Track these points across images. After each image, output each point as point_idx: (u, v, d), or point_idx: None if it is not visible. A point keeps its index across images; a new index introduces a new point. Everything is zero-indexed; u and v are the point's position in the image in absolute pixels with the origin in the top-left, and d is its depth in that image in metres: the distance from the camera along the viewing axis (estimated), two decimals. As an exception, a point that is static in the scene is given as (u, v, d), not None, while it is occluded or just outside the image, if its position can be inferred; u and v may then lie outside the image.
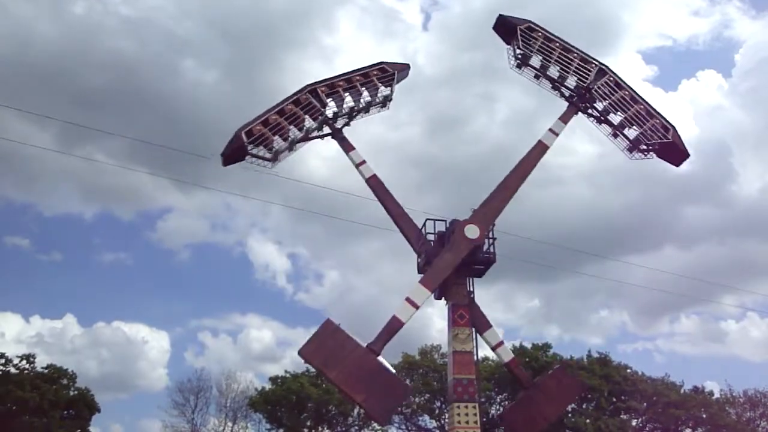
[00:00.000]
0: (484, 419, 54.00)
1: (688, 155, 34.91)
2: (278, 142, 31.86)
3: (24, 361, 53.90)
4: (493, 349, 30.99)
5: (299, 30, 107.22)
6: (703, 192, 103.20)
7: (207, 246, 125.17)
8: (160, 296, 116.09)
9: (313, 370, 63.69)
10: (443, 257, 29.73)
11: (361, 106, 33.71)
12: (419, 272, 31.59)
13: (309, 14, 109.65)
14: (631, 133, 34.26)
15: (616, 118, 34.42)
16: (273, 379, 63.75)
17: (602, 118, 34.53)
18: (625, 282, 68.89)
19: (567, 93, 34.52)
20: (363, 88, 33.74)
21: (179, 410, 63.97)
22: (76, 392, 55.51)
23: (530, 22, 34.72)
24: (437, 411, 61.94)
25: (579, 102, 34.18)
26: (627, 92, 34.27)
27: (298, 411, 61.45)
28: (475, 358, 30.41)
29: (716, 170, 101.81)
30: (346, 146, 33.18)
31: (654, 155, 34.64)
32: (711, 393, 64.79)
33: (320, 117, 32.83)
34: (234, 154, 31.59)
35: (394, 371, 27.09)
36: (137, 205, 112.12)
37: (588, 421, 59.42)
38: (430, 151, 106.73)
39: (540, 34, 34.35)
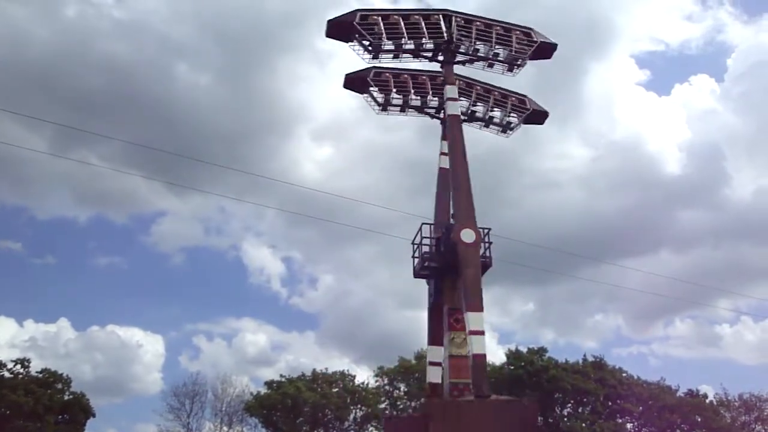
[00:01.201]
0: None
1: (555, 44, 32.99)
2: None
3: (18, 366, 53.76)
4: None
5: (293, 34, 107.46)
6: (697, 196, 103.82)
7: (201, 250, 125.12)
8: (155, 300, 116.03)
9: (308, 374, 63.91)
10: (470, 277, 27.51)
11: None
12: (415, 276, 31.62)
13: (303, 18, 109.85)
14: (503, 54, 32.03)
15: (484, 49, 32.33)
16: (269, 383, 63.66)
17: (473, 57, 32.19)
18: (620, 286, 69.11)
19: (429, 56, 31.88)
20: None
21: (175, 414, 63.89)
22: (71, 396, 55.35)
23: (359, 10, 31.04)
24: (433, 415, 61.80)
25: (449, 59, 31.73)
26: (479, 22, 31.88)
27: (294, 415, 61.37)
28: (471, 362, 30.39)
29: (710, 174, 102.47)
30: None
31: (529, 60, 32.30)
32: (706, 396, 65.03)
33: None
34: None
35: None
36: (131, 208, 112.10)
37: (584, 425, 59.57)
38: (423, 155, 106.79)
39: (375, 16, 30.93)
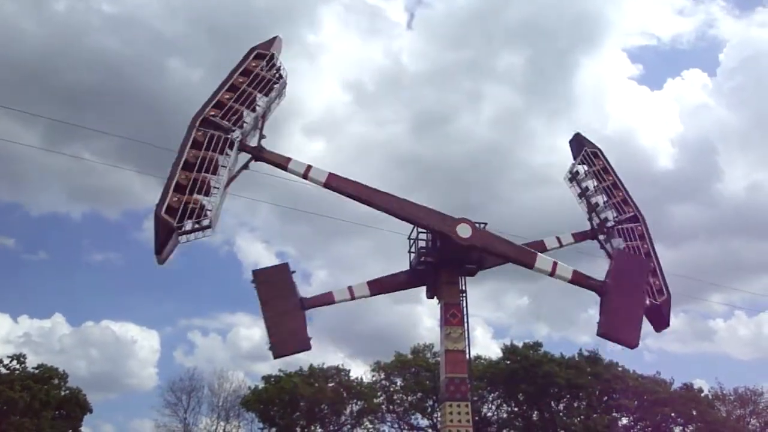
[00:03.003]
0: (477, 418, 54.21)
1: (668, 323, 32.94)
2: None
3: (14, 361, 53.68)
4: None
5: (284, 28, 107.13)
6: (690, 190, 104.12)
7: (195, 245, 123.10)
8: (150, 295, 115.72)
9: (306, 369, 64.04)
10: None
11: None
12: (412, 272, 31.72)
13: (293, 12, 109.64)
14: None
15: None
16: (266, 378, 63.77)
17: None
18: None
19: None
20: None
21: (171, 410, 63.98)
22: (67, 392, 55.32)
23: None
24: (429, 410, 62.12)
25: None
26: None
27: (291, 410, 61.48)
28: (468, 357, 30.54)
29: (702, 169, 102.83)
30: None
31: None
32: (701, 390, 65.24)
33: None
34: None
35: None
36: (124, 204, 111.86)
37: (578, 420, 59.84)
38: (415, 150, 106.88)
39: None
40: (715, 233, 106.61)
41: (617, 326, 28.52)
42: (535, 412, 63.52)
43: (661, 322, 32.76)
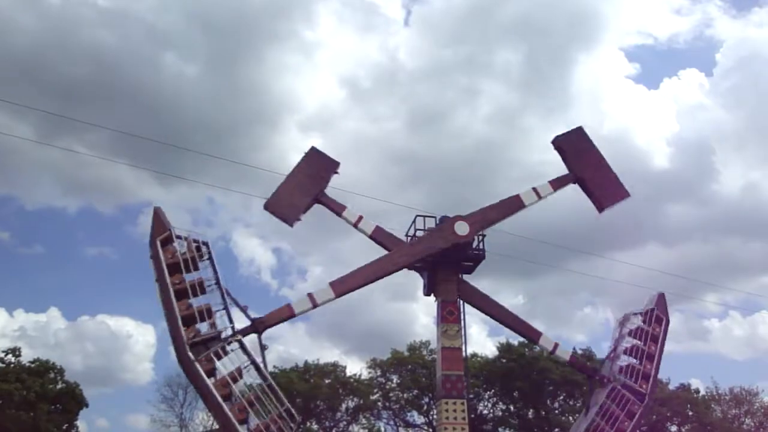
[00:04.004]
0: (473, 416, 54.30)
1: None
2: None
3: (10, 355, 53.56)
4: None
5: (280, 23, 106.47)
6: (685, 190, 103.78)
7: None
8: (145, 290, 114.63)
9: (301, 365, 64.09)
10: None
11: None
12: (409, 268, 31.71)
13: (289, 7, 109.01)
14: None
15: None
16: (261, 374, 63.60)
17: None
18: (608, 279, 69.13)
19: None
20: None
21: (168, 404, 63.92)
22: (63, 386, 55.20)
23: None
24: (425, 407, 62.17)
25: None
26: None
27: (287, 406, 61.40)
28: (464, 354, 30.57)
29: (698, 168, 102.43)
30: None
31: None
32: (697, 390, 65.41)
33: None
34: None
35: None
36: (118, 199, 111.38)
37: (573, 418, 59.89)
38: (411, 147, 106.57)
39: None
40: (710, 233, 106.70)
41: None
42: (531, 410, 63.61)
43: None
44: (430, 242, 30.16)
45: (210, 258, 28.02)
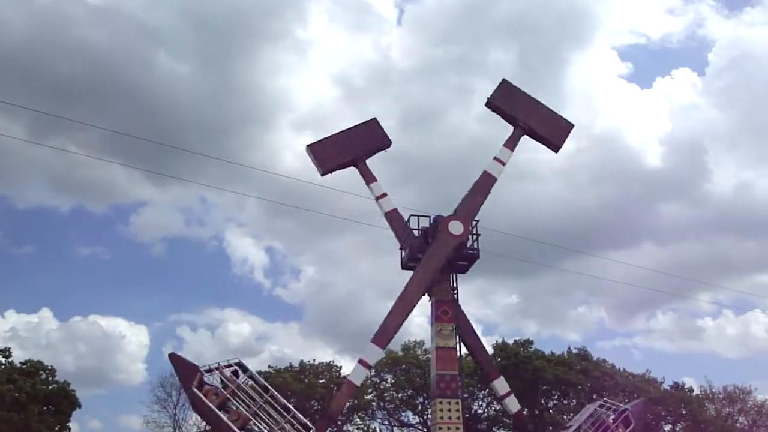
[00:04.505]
0: (467, 415, 54.19)
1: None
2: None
3: (0, 356, 53.17)
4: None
5: (273, 22, 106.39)
6: (678, 190, 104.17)
7: (184, 240, 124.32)
8: (138, 290, 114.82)
9: (296, 365, 63.85)
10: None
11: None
12: (403, 268, 31.54)
13: (282, 6, 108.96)
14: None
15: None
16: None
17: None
18: (602, 278, 69.43)
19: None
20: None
21: (161, 405, 63.65)
22: (55, 386, 54.83)
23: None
24: (420, 407, 62.10)
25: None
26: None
27: (281, 406, 61.21)
28: (459, 354, 30.42)
29: (691, 168, 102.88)
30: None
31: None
32: (691, 389, 65.57)
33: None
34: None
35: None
36: (111, 198, 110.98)
37: (567, 417, 59.87)
38: (404, 146, 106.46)
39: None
40: (703, 232, 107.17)
41: None
42: (525, 409, 63.52)
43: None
44: (439, 253, 29.73)
45: (252, 377, 27.87)
